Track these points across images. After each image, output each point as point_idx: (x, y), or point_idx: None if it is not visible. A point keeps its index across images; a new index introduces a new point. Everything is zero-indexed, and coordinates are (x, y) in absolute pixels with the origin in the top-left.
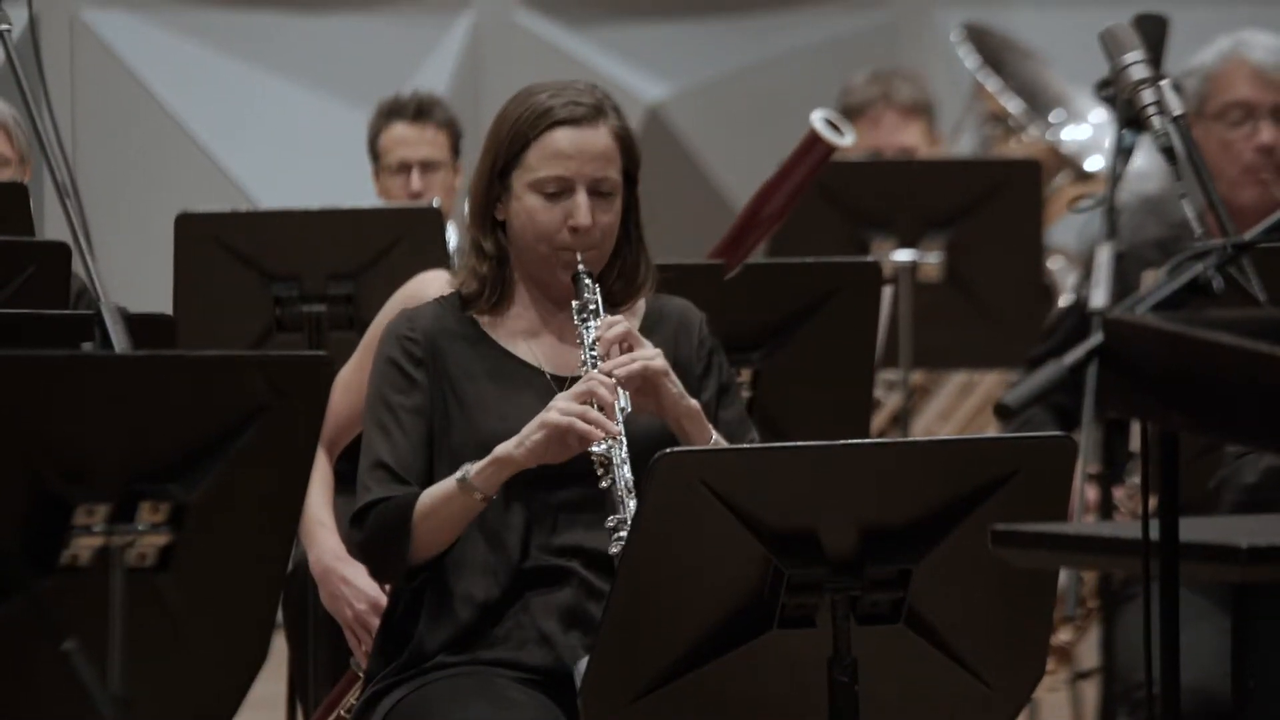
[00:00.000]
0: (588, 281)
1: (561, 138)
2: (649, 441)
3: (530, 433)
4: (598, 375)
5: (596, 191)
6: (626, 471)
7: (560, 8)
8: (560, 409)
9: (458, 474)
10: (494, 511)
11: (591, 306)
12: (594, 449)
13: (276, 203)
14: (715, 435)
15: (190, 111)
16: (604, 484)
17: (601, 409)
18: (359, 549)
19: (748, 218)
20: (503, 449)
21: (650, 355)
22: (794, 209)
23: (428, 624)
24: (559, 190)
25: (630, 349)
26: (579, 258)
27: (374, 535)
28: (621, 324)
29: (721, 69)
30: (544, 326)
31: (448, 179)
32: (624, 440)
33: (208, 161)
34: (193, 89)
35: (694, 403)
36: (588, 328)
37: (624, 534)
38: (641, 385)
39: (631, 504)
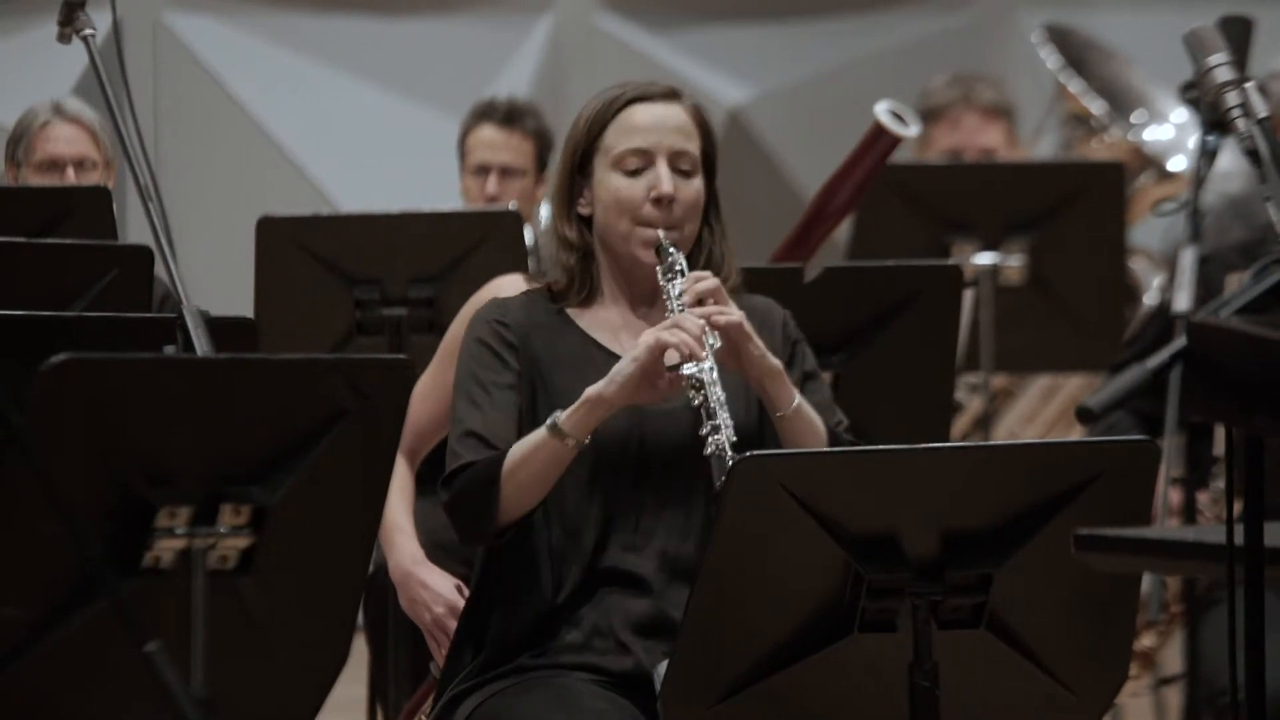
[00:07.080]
0: (671, 249)
1: (639, 112)
2: (738, 439)
3: (621, 368)
4: (686, 314)
5: (676, 168)
6: (719, 390)
7: (641, 10)
8: (647, 339)
9: (548, 421)
10: (574, 503)
11: (677, 268)
12: (686, 369)
13: (358, 206)
14: (798, 397)
15: (272, 115)
16: (695, 402)
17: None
18: (446, 509)
19: (814, 212)
20: (593, 389)
21: (737, 313)
22: (861, 203)
23: (504, 621)
24: (641, 166)
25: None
26: (661, 234)
27: (462, 492)
28: (711, 277)
29: (803, 72)
30: (631, 318)
31: (528, 187)
32: (714, 364)
33: (289, 165)
34: (274, 92)
35: (776, 361)
36: (674, 285)
37: (719, 438)
38: (724, 342)
39: (723, 414)
